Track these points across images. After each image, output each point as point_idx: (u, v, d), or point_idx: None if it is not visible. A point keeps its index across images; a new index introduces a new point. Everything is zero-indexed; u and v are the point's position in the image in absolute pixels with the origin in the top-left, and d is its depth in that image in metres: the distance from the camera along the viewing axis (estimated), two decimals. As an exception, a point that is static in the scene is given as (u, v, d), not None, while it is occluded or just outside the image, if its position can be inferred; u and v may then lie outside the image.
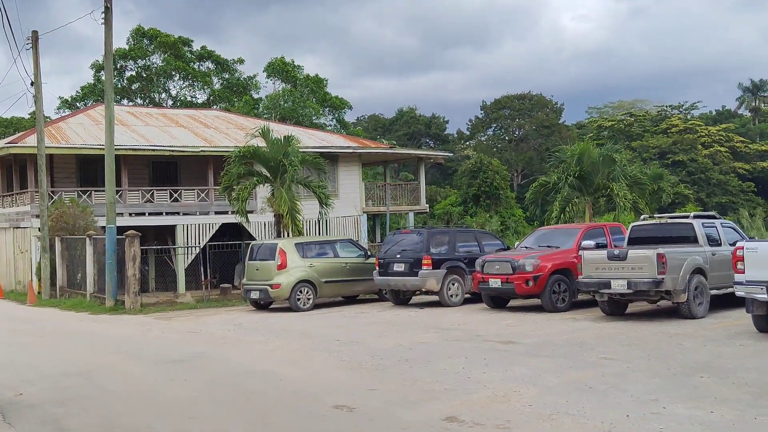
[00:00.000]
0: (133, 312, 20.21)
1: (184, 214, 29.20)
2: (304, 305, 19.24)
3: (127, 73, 56.84)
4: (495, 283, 17.08)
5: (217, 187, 29.40)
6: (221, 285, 27.80)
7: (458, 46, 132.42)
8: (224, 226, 29.56)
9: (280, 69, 56.84)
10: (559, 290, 16.80)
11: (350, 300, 21.23)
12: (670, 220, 16.90)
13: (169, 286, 29.73)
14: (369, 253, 21.21)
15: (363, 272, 20.34)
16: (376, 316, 17.44)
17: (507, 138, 77.18)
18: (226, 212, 29.69)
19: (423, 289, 18.77)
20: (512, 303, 18.31)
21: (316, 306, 19.67)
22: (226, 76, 59.55)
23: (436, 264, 18.52)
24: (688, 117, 72.98)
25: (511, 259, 16.98)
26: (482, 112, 79.72)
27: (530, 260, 16.76)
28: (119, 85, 56.26)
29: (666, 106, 76.42)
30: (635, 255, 14.66)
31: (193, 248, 27.47)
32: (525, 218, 41.30)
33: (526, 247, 18.17)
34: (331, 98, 57.63)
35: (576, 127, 77.14)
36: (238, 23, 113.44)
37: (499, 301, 17.93)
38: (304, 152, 23.93)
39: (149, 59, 55.89)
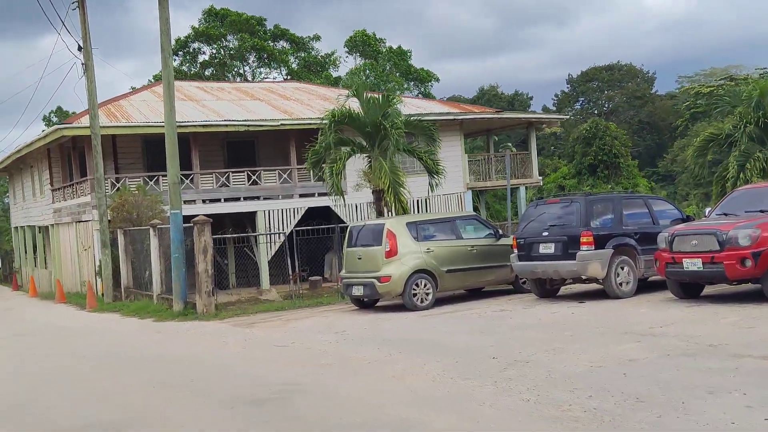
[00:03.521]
0: (206, 317, 16.17)
1: (264, 198, 25.22)
2: (421, 302, 14.79)
3: (201, 58, 53.71)
4: (692, 264, 12.21)
5: (301, 167, 25.34)
6: (310, 278, 23.74)
7: (536, 25, 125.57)
8: (309, 211, 25.47)
9: (361, 42, 52.61)
10: (788, 271, 11.84)
11: (476, 293, 16.67)
12: None
13: (252, 280, 25.88)
14: (500, 232, 16.54)
15: (494, 257, 15.76)
16: (526, 316, 12.84)
17: (596, 111, 71.49)
18: (312, 194, 25.67)
19: (583, 277, 14.06)
20: (707, 290, 13.41)
21: (437, 302, 15.17)
22: (303, 55, 55.79)
23: (600, 242, 13.75)
24: (794, 77, 65.61)
25: (717, 231, 12.08)
26: (568, 85, 74.66)
27: (746, 231, 11.82)
28: (192, 71, 53.20)
29: (768, 68, 68.98)
30: None
31: (278, 236, 23.42)
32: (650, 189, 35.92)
33: (725, 214, 13.22)
34: (415, 71, 53.09)
35: (667, 97, 70.75)
36: (312, 14, 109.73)
37: (690, 290, 13.07)
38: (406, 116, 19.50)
39: (223, 40, 52.50)
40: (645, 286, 14.63)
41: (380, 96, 18.99)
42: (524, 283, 15.89)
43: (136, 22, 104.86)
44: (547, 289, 14.99)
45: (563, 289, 15.55)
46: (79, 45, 20.70)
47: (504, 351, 9.61)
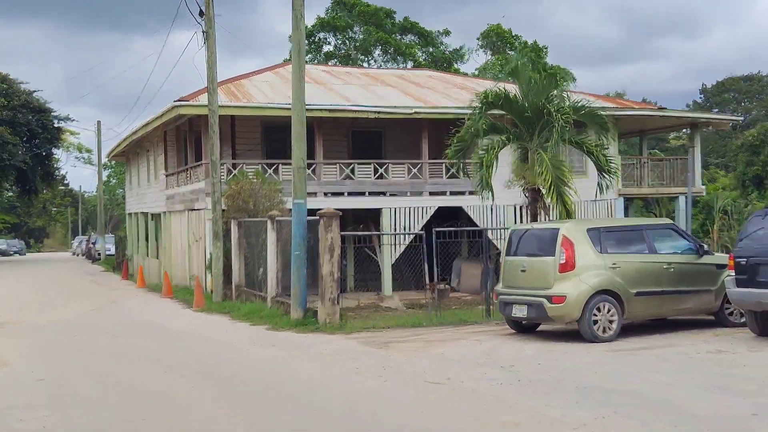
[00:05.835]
0: (329, 329, 13.46)
1: (390, 194, 22.46)
2: (603, 332, 11.55)
3: (325, 48, 51.81)
4: None
5: (434, 161, 22.53)
6: (438, 286, 20.78)
7: (664, 35, 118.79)
8: (438, 211, 22.53)
9: (496, 37, 49.45)
10: None
11: (660, 323, 13.21)
12: None
13: (371, 284, 23.17)
14: (705, 247, 13.04)
15: (695, 279, 12.33)
16: (759, 361, 9.44)
17: (731, 124, 65.65)
18: (443, 193, 22.81)
19: (836, 314, 10.50)
20: None
21: (621, 332, 11.85)
22: (430, 49, 53.15)
23: None
24: None
25: None
26: (701, 96, 69.31)
27: None
28: (315, 61, 51.43)
29: None
30: None
31: (404, 237, 20.66)
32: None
33: None
34: (551, 68, 49.36)
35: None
36: (434, 21, 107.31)
37: None
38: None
39: (350, 31, 50.47)
40: None
41: (544, 76, 15.85)
42: (731, 314, 12.41)
43: (260, 23, 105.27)
44: (770, 326, 11.47)
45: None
46: (201, 10, 18.49)
47: (789, 429, 6.34)
